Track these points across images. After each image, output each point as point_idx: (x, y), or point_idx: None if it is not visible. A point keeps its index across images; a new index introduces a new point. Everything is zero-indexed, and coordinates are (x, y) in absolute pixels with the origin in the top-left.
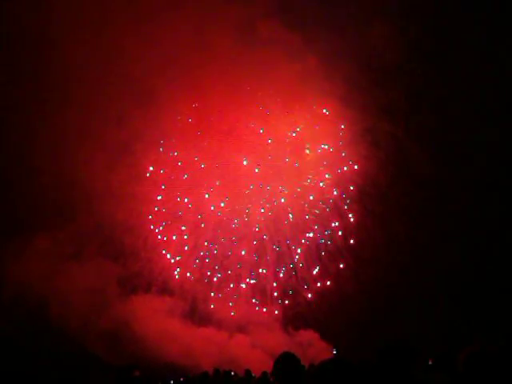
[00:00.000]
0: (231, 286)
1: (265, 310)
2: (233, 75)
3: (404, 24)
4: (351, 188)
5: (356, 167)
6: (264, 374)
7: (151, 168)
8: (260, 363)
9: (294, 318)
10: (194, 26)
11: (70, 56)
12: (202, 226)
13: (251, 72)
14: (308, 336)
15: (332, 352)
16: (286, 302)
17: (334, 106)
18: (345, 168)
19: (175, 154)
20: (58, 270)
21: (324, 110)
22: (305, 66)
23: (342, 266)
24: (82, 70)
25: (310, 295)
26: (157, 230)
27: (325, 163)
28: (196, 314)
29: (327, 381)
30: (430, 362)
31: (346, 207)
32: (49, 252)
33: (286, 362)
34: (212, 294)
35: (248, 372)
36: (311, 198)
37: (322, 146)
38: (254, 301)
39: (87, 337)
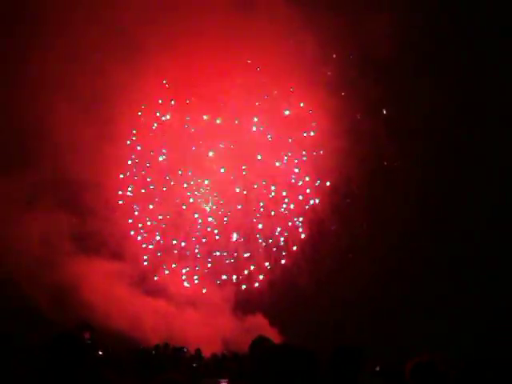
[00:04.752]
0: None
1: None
2: (226, 42)
3: (405, 21)
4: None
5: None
6: (214, 355)
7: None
8: (208, 343)
9: (246, 303)
10: None
11: None
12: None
13: (245, 41)
14: (257, 321)
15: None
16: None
17: (320, 94)
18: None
19: (157, 114)
20: (9, 214)
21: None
22: (301, 46)
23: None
24: (64, 14)
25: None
26: (120, 193)
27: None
28: (147, 284)
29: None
30: (377, 369)
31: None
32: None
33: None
34: (173, 265)
35: (198, 351)
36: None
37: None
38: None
39: (32, 289)
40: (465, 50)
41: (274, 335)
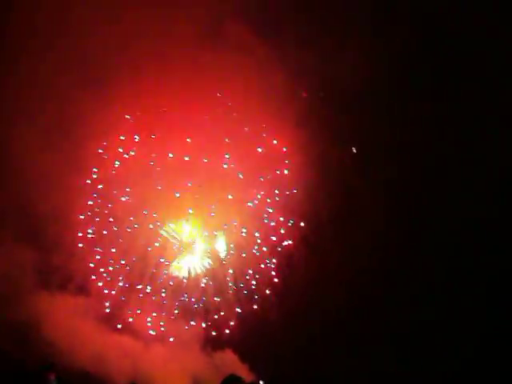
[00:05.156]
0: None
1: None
2: (195, 75)
3: (374, 57)
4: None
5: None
6: None
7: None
8: (176, 380)
9: (216, 339)
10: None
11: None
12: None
13: (214, 74)
14: (227, 358)
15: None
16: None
17: (291, 130)
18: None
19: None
20: None
21: None
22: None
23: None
24: (27, 40)
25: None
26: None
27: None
28: (113, 321)
29: None
30: None
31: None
32: None
33: None
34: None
35: None
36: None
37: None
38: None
39: None
40: (435, 83)
41: (244, 372)
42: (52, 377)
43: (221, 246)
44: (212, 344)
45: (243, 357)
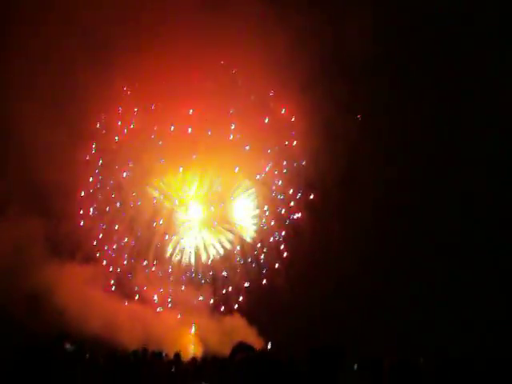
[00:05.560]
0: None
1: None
2: (197, 43)
3: (381, 21)
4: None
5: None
6: (193, 359)
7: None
8: (187, 345)
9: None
10: None
11: None
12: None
13: (217, 42)
14: (235, 322)
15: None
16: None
17: (292, 94)
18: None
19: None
20: None
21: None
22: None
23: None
24: (31, 14)
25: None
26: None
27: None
28: (123, 288)
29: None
30: (355, 367)
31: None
32: None
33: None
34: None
35: (177, 355)
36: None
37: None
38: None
39: (7, 297)
40: (439, 56)
41: (253, 336)
42: (68, 345)
43: (228, 220)
44: (223, 309)
45: (251, 321)
